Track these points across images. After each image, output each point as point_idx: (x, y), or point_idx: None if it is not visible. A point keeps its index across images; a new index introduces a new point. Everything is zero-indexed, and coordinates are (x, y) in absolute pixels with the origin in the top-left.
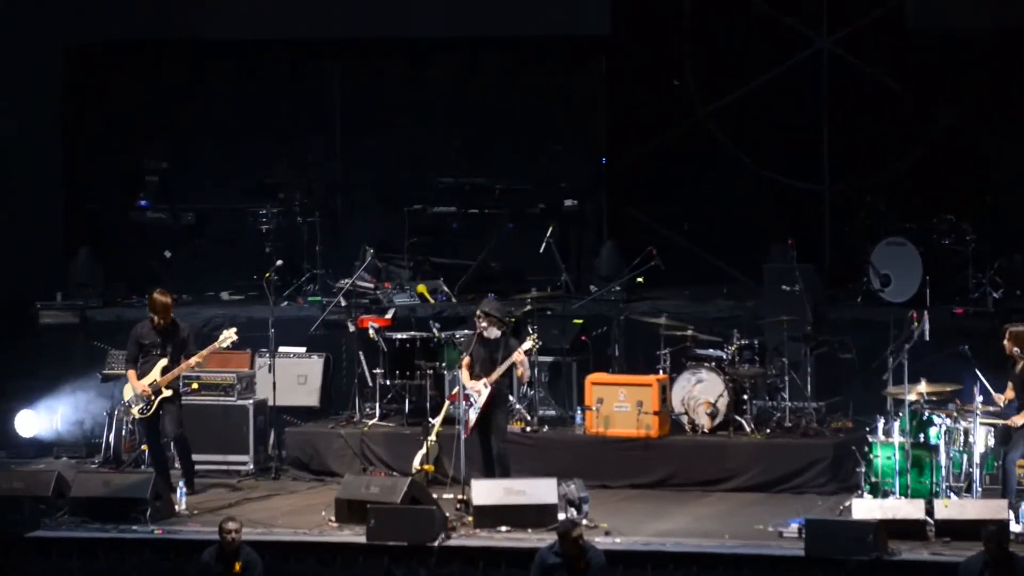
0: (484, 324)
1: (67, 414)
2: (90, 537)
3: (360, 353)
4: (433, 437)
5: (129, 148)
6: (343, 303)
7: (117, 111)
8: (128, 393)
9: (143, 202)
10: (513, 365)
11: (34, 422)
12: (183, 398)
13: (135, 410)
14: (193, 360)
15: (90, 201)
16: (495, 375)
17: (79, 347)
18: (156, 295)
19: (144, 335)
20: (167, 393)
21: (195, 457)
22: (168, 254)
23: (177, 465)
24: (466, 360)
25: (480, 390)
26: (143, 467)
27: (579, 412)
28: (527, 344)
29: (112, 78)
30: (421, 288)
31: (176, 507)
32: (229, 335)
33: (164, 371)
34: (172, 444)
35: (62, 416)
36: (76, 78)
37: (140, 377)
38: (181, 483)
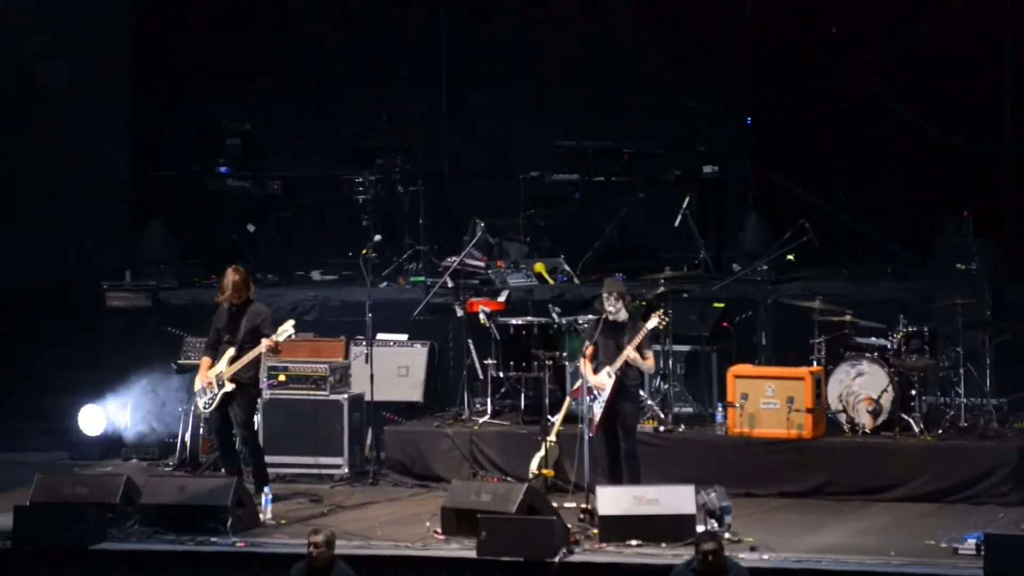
0: (610, 307)
1: (137, 410)
2: (163, 550)
3: (469, 341)
4: (553, 437)
5: (207, 106)
6: (450, 284)
7: (193, 64)
8: (198, 383)
9: (223, 168)
10: (642, 348)
11: (100, 419)
12: (270, 392)
13: (200, 403)
14: (251, 355)
15: (163, 167)
16: (620, 361)
17: (151, 333)
18: (228, 271)
19: (219, 319)
20: (230, 387)
21: (282, 459)
22: (251, 228)
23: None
24: (590, 350)
25: (603, 382)
26: (223, 471)
27: (720, 409)
28: (652, 321)
29: (188, 26)
30: (539, 267)
31: (261, 516)
32: (286, 328)
33: (232, 362)
34: (242, 447)
35: (132, 412)
36: (147, 26)
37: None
38: (266, 489)
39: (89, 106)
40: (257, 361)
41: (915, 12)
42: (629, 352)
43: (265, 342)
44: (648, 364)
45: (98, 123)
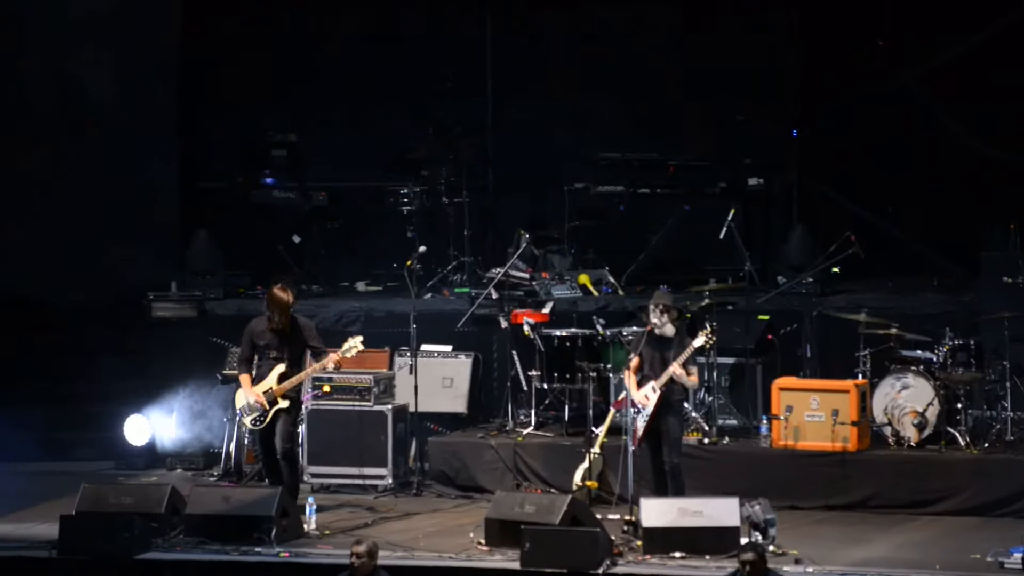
0: (656, 319)
1: (182, 420)
2: (208, 560)
3: (513, 352)
4: (597, 449)
5: (253, 117)
6: (494, 295)
7: (239, 75)
8: (240, 400)
9: (269, 179)
10: (686, 365)
11: (145, 429)
12: (315, 403)
13: (247, 420)
14: (311, 370)
15: (209, 178)
16: (664, 377)
17: (196, 344)
18: (275, 291)
19: (259, 334)
20: (283, 404)
21: (326, 470)
22: (297, 239)
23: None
24: (634, 362)
25: (648, 395)
26: (267, 481)
27: (765, 422)
28: (699, 340)
29: (233, 37)
30: (583, 279)
31: (305, 526)
32: (355, 344)
33: (281, 378)
34: (279, 459)
35: (177, 422)
36: (192, 38)
37: (255, 383)
38: (310, 499)
39: (135, 117)
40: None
41: (963, 25)
42: (675, 369)
43: (332, 356)
44: (692, 381)
45: (144, 134)
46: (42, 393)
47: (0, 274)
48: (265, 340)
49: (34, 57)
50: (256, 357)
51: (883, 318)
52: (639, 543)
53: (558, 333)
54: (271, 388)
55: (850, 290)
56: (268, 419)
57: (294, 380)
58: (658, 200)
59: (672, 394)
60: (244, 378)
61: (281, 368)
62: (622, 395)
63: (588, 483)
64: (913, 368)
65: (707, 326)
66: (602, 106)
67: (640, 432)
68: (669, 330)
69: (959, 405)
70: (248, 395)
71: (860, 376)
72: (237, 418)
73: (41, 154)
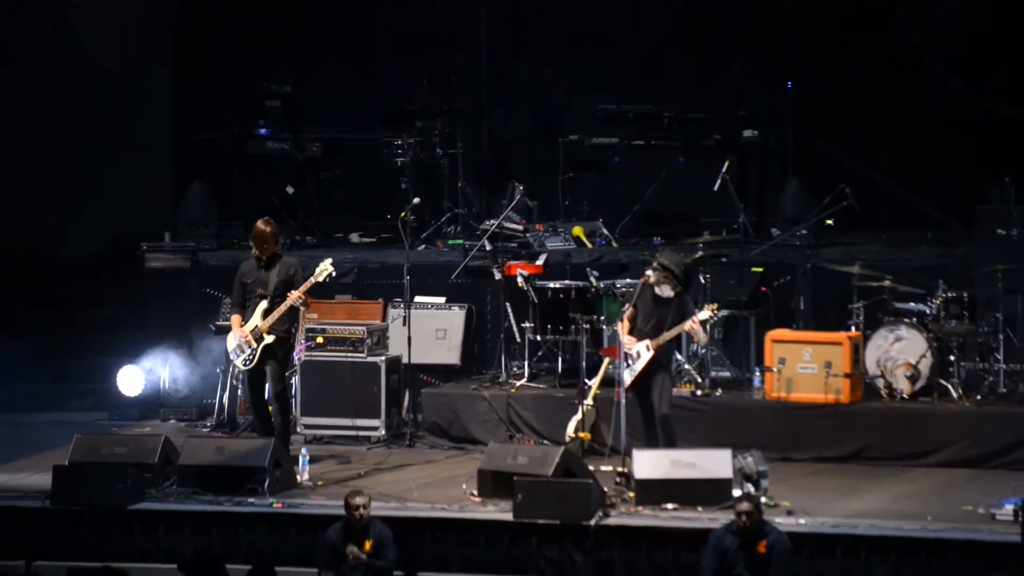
0: (654, 278)
1: (176, 371)
2: (201, 510)
3: (507, 304)
4: (590, 401)
5: (247, 68)
6: (488, 247)
7: (234, 26)
8: (231, 343)
9: (263, 130)
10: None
11: (139, 380)
12: (307, 354)
13: (239, 361)
14: (291, 299)
15: (203, 129)
16: (661, 340)
17: (190, 295)
18: (258, 224)
19: (247, 273)
20: (269, 339)
21: (319, 421)
22: (291, 190)
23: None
24: (629, 312)
25: (641, 352)
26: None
27: (758, 373)
28: (704, 314)
29: None
30: (577, 230)
31: (298, 477)
32: (326, 267)
33: (265, 314)
34: (273, 401)
35: (170, 373)
36: None
37: (244, 324)
38: (303, 450)
39: (131, 69)
40: (291, 314)
41: None
42: (680, 331)
43: (292, 295)
44: (701, 341)
45: (140, 86)
46: (36, 344)
47: None
48: (252, 277)
49: (33, 10)
50: (246, 298)
51: (877, 270)
52: (632, 494)
53: (552, 285)
54: (257, 325)
55: (844, 242)
56: (256, 357)
57: (275, 314)
58: (653, 152)
59: (663, 353)
60: (235, 319)
61: (264, 305)
62: (615, 344)
63: (581, 435)
64: (906, 320)
65: (707, 293)
66: (598, 58)
67: (626, 385)
68: (667, 290)
69: (952, 357)
70: (236, 334)
71: (853, 328)
72: (231, 363)
73: (39, 107)
